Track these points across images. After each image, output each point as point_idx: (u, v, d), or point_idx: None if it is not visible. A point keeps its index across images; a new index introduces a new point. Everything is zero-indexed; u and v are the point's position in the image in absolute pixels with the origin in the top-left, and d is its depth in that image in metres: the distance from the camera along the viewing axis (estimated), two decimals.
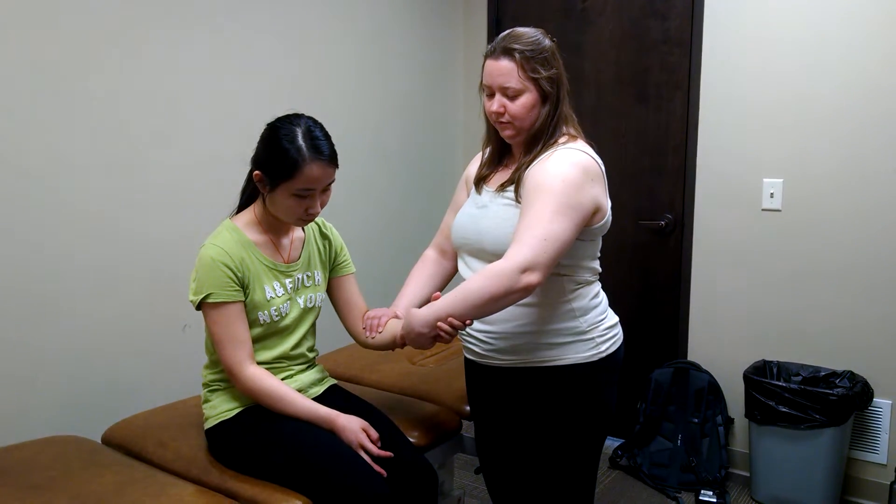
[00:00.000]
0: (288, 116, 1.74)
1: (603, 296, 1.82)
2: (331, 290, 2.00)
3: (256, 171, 1.73)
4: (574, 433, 1.75)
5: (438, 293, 1.67)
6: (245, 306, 1.74)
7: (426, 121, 3.56)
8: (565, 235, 1.58)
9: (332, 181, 1.76)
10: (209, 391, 1.84)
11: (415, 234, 3.28)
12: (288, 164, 1.67)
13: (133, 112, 2.32)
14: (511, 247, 1.58)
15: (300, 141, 1.67)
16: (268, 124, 1.74)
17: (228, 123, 2.60)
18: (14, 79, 2.04)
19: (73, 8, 2.14)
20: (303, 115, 1.75)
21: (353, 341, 2.67)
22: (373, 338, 1.89)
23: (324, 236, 1.97)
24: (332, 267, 1.98)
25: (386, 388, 2.30)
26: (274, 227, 1.83)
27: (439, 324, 1.61)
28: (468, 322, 1.62)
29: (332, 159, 1.72)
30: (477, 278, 1.59)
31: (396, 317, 1.88)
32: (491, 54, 1.70)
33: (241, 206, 1.86)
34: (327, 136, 1.74)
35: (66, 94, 2.15)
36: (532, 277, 1.54)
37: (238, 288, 1.72)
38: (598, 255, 1.80)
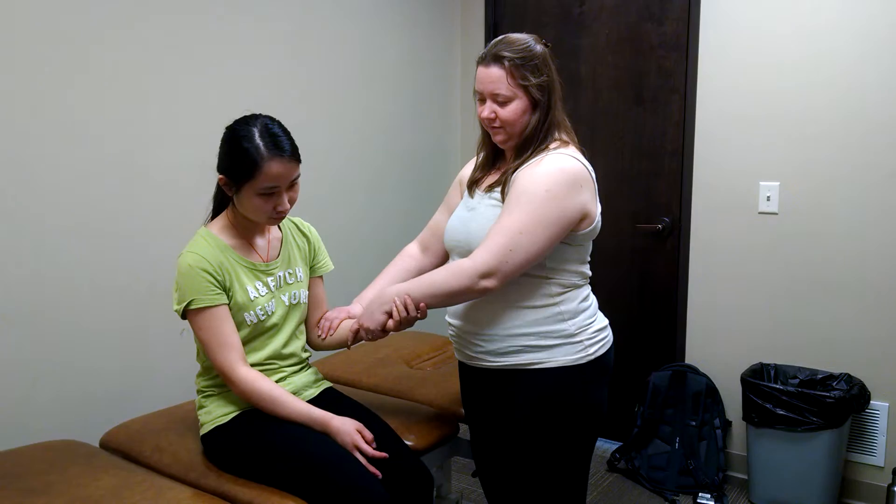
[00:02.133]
0: (245, 118, 1.74)
1: (593, 299, 1.83)
2: None
3: (221, 176, 1.75)
4: (563, 435, 1.76)
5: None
6: (230, 309, 1.75)
7: (423, 124, 3.57)
8: (534, 248, 1.62)
9: (297, 176, 1.76)
10: (203, 397, 1.84)
11: (409, 234, 3.28)
12: (248, 163, 1.67)
13: (132, 117, 2.33)
14: (479, 247, 1.64)
15: (258, 140, 1.68)
16: (226, 127, 1.75)
17: (223, 129, 2.60)
18: (8, 82, 2.05)
19: (48, 8, 2.15)
20: (260, 114, 1.76)
21: None
22: (324, 339, 1.94)
23: (302, 234, 1.98)
24: (311, 266, 1.99)
25: (383, 391, 2.31)
26: (249, 229, 1.84)
27: (395, 298, 1.68)
28: (421, 306, 1.67)
29: (293, 155, 1.72)
30: (442, 270, 1.69)
31: (350, 317, 1.92)
32: (482, 61, 1.73)
33: (215, 213, 1.88)
34: (286, 132, 1.74)
35: (54, 102, 2.16)
36: (489, 283, 1.62)
37: (220, 291, 1.73)
38: (588, 259, 1.81)
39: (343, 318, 1.94)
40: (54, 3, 2.12)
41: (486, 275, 1.61)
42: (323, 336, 1.94)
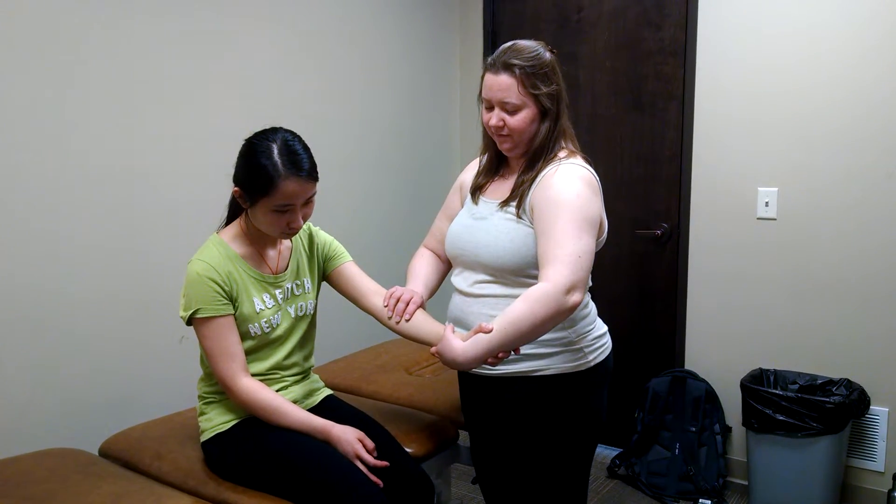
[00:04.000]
0: (265, 131, 1.73)
1: (592, 306, 1.83)
2: (337, 284, 1.97)
3: (236, 188, 1.74)
4: (563, 441, 1.76)
5: (489, 325, 1.58)
6: (235, 319, 1.75)
7: (422, 129, 3.58)
8: (591, 250, 1.61)
9: (314, 194, 1.75)
10: (204, 404, 1.84)
11: (411, 239, 3.29)
12: (264, 180, 1.66)
13: (130, 125, 2.33)
14: (548, 267, 1.57)
15: (276, 157, 1.66)
16: (245, 140, 1.73)
17: (225, 137, 2.59)
18: (13, 88, 2.05)
19: (59, 15, 2.15)
20: (280, 128, 1.74)
21: (349, 352, 2.70)
22: (397, 322, 1.80)
23: (310, 240, 1.96)
24: (326, 261, 1.96)
25: (383, 398, 2.31)
26: (260, 240, 1.83)
27: (490, 359, 1.60)
28: (517, 350, 1.62)
29: (310, 174, 1.70)
30: (521, 306, 1.56)
31: (422, 306, 1.83)
32: (491, 68, 1.71)
33: (228, 220, 1.87)
34: (306, 150, 1.72)
35: (56, 108, 2.16)
36: (576, 297, 1.56)
37: (227, 301, 1.72)
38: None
39: (417, 304, 1.81)
40: (64, 8, 2.13)
41: (570, 289, 1.54)
42: (397, 319, 1.79)
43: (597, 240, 1.70)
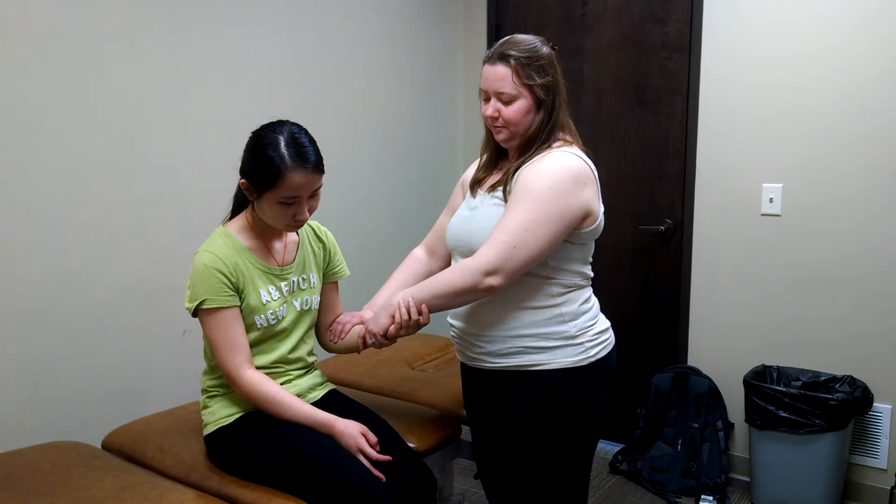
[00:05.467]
0: (272, 124, 1.74)
1: (594, 301, 1.83)
2: None
3: (242, 180, 1.74)
4: (564, 437, 1.75)
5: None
6: (241, 311, 1.75)
7: (426, 125, 3.57)
8: (538, 246, 1.62)
9: (320, 187, 1.76)
10: (208, 397, 1.84)
11: (414, 236, 3.28)
12: (271, 172, 1.67)
13: (130, 117, 2.33)
14: (483, 246, 1.64)
15: (283, 149, 1.67)
16: (252, 132, 1.74)
17: (228, 129, 2.60)
18: (24, 83, 2.05)
19: (66, 10, 2.15)
20: (287, 121, 1.75)
21: None
22: (335, 342, 1.95)
23: (318, 239, 1.97)
24: (326, 269, 1.99)
25: (385, 392, 2.31)
26: (266, 232, 1.83)
27: (399, 302, 1.67)
28: (423, 309, 1.66)
29: (316, 166, 1.71)
30: (447, 270, 1.70)
31: (361, 322, 1.91)
32: (488, 59, 1.73)
33: (234, 212, 1.87)
34: (312, 143, 1.73)
35: (61, 100, 2.16)
36: (494, 281, 1.61)
37: (233, 293, 1.73)
38: (590, 260, 1.80)
39: (355, 322, 1.94)
40: (79, 8, 2.13)
41: (490, 272, 1.60)
42: (334, 340, 1.95)
43: (583, 230, 1.70)
